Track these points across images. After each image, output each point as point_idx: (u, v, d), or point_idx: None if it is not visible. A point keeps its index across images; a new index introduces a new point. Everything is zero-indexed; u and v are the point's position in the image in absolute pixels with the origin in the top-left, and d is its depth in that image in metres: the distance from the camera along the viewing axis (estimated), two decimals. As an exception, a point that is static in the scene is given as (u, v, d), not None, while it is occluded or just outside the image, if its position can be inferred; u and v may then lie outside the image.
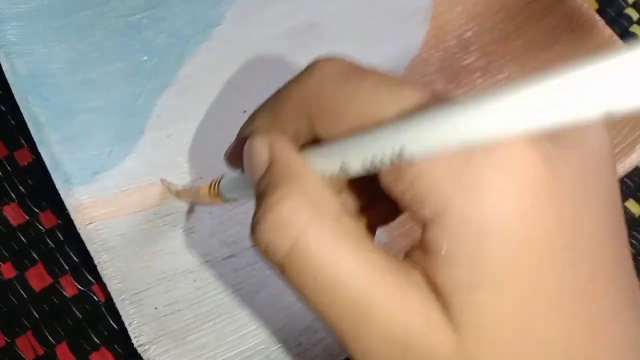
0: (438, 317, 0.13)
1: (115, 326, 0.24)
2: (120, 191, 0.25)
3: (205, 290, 0.23)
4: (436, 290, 0.13)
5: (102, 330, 0.24)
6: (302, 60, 0.29)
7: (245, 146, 0.16)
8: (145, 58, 0.28)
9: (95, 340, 0.23)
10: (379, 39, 0.30)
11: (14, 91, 0.26)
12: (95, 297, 0.24)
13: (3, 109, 0.27)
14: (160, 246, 0.24)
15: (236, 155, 0.18)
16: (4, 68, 0.26)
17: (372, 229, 0.17)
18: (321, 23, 0.30)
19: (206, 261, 0.24)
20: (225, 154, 0.19)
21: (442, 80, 0.30)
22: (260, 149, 0.16)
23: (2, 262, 0.24)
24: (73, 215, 0.23)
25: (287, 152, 0.15)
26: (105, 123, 0.26)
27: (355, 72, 0.15)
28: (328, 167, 0.14)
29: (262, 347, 0.22)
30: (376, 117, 0.14)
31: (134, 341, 0.21)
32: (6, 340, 0.23)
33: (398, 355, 0.13)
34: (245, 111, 0.28)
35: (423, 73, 0.30)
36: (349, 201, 0.17)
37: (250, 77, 0.29)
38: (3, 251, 0.25)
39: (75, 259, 0.25)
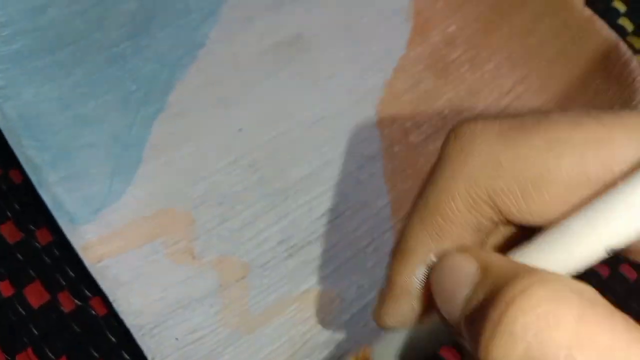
0: None
1: (113, 339, 0.24)
2: (126, 225, 0.24)
3: (222, 314, 0.23)
4: None
5: (101, 344, 0.24)
6: (291, 73, 0.29)
7: (432, 274, 0.12)
8: (134, 87, 0.28)
9: (95, 354, 0.23)
10: (365, 43, 0.30)
11: (6, 136, 0.25)
12: (93, 311, 0.24)
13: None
14: (171, 276, 0.24)
15: (391, 308, 0.14)
16: (-6, 113, 0.26)
17: None
18: (305, 34, 0.30)
19: (220, 285, 0.24)
20: (373, 313, 0.15)
21: (432, 77, 0.30)
22: (458, 261, 0.12)
23: (0, 281, 0.24)
24: (81, 255, 0.23)
25: (496, 255, 0.12)
26: (102, 157, 0.26)
27: (522, 123, 0.11)
28: (569, 259, 0.10)
29: (287, 365, 0.22)
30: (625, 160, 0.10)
31: (158, 375, 0.21)
32: (7, 358, 0.23)
33: None
34: (240, 129, 0.28)
35: (412, 72, 0.30)
36: None
37: (241, 95, 0.29)
38: (0, 269, 0.25)
39: (72, 274, 0.25)
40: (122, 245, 0.24)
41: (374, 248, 0.25)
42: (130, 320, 0.22)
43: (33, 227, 0.26)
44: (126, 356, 0.23)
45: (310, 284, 0.25)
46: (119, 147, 0.26)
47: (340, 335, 0.23)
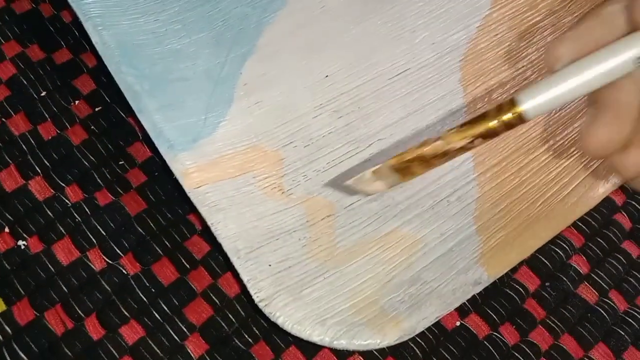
0: None
1: (145, 299, 0.23)
2: (220, 157, 0.25)
3: (310, 247, 0.24)
4: None
5: (132, 303, 0.23)
6: (377, 22, 0.30)
7: None
8: (225, 27, 0.29)
9: (125, 313, 0.23)
10: (451, -1, 0.31)
11: (106, 62, 0.26)
12: (123, 270, 0.24)
13: (24, 82, 0.27)
14: (262, 208, 0.25)
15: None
16: (94, 40, 0.26)
17: None
18: (393, -15, 0.30)
19: (307, 221, 0.25)
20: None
21: (515, 39, 0.30)
22: None
23: (29, 237, 0.24)
24: (181, 180, 0.24)
25: None
26: (195, 92, 0.27)
27: None
28: None
29: (375, 298, 0.23)
30: None
31: (254, 297, 0.22)
32: (35, 314, 0.23)
33: None
34: (327, 75, 0.28)
35: (496, 32, 0.30)
36: None
37: (328, 41, 0.29)
38: (29, 225, 0.24)
39: (102, 232, 0.25)
40: (217, 174, 0.25)
41: (457, 197, 0.26)
42: (227, 244, 0.23)
43: (63, 184, 0.25)
44: (157, 316, 0.23)
45: (393, 226, 0.25)
46: (212, 83, 0.27)
47: (426, 275, 0.24)
